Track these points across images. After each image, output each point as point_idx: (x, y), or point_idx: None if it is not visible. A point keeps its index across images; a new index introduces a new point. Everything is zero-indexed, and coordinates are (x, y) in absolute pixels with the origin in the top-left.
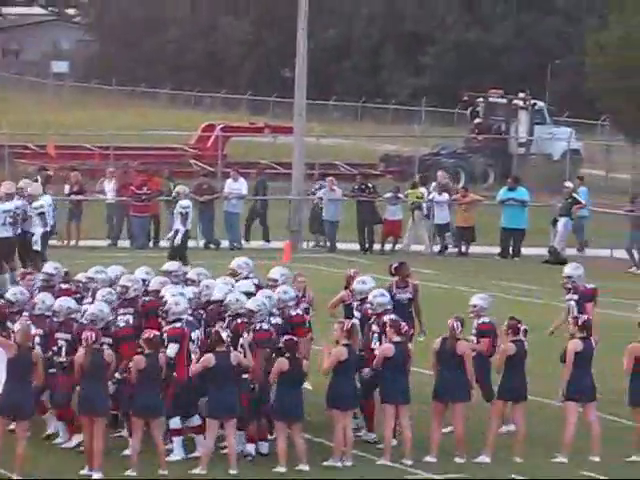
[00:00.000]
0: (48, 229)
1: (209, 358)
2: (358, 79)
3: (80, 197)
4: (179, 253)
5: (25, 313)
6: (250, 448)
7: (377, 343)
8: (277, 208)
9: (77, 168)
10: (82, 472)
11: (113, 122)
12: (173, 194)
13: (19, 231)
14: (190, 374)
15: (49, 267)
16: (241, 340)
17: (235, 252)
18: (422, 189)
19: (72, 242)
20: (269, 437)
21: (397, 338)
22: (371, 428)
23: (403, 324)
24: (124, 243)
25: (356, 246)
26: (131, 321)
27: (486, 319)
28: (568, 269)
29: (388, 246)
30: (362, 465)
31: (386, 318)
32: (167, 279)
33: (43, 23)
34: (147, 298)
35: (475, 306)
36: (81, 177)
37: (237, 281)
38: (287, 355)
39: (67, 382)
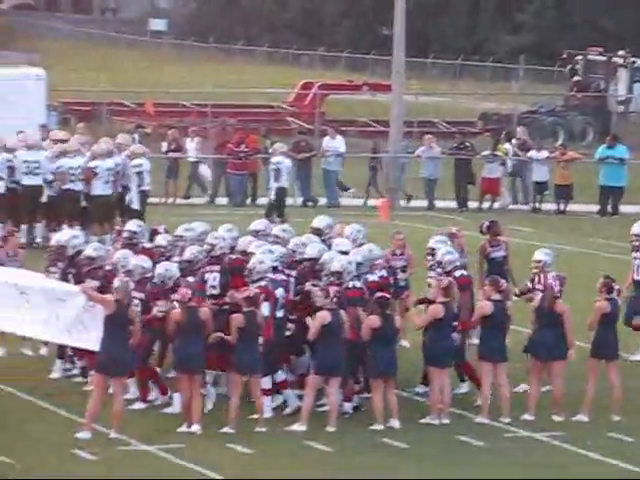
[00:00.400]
0: (146, 188)
1: (325, 315)
2: (456, 37)
3: (177, 154)
4: (276, 210)
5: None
6: (347, 407)
7: None
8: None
9: (174, 126)
10: (181, 429)
11: (210, 80)
12: (270, 151)
13: (119, 189)
14: (311, 335)
15: (132, 225)
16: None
17: (333, 210)
18: (507, 145)
19: (170, 200)
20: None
21: (496, 296)
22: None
23: (502, 281)
24: (222, 201)
25: (453, 204)
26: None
27: (552, 274)
28: (636, 227)
29: (486, 204)
30: (459, 423)
31: (458, 274)
32: (255, 238)
33: None
34: (233, 256)
35: (539, 261)
36: (178, 135)
37: (323, 240)
38: (379, 312)
39: (144, 341)
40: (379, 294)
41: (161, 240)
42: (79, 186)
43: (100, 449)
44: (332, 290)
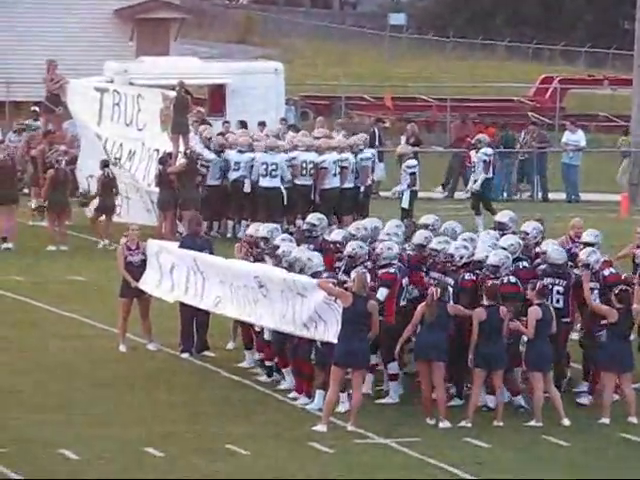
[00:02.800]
0: (416, 188)
1: (480, 312)
2: None
3: (416, 149)
4: (481, 202)
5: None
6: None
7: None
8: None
9: (413, 120)
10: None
11: (450, 74)
12: (473, 141)
13: (354, 184)
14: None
15: (313, 217)
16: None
17: (572, 205)
18: None
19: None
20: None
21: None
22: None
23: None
24: (461, 194)
25: None
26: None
27: None
28: None
29: None
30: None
31: (606, 272)
32: (430, 233)
33: None
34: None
35: None
36: (417, 129)
37: (503, 234)
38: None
39: None
40: (620, 287)
41: (336, 236)
42: (309, 180)
43: (336, 442)
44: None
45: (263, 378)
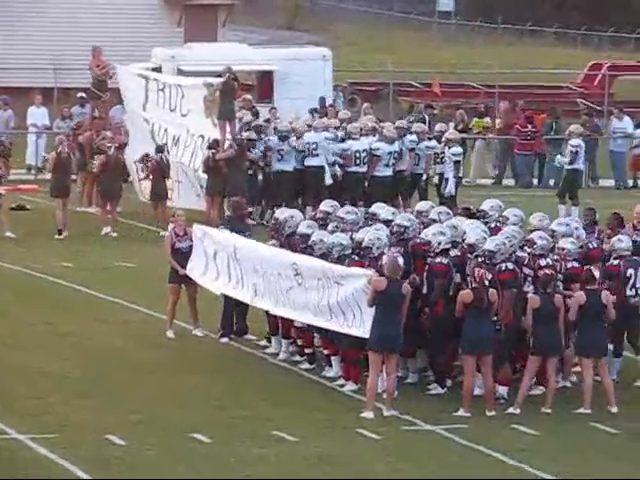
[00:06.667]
0: (461, 175)
1: (535, 299)
2: None
3: (464, 135)
4: (568, 190)
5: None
6: (502, 391)
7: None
8: None
9: (462, 106)
10: (458, 413)
11: (498, 60)
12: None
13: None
14: (571, 316)
15: (326, 204)
16: None
17: (621, 192)
18: None
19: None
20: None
21: None
22: None
23: None
24: (509, 182)
25: None
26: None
27: None
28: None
29: None
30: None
31: None
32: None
33: None
34: (418, 240)
35: None
36: (466, 116)
37: (486, 224)
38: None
39: None
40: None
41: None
42: (363, 168)
43: (384, 428)
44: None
45: (305, 366)
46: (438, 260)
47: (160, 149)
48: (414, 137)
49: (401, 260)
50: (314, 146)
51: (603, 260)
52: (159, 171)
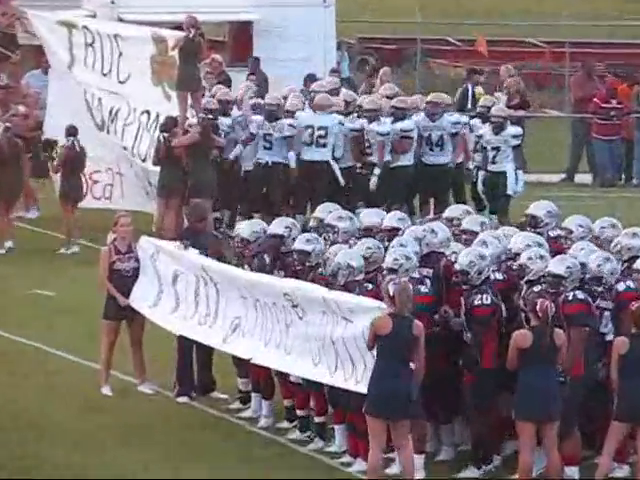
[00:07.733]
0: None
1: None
2: None
3: (520, 113)
4: None
5: None
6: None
7: None
8: None
9: (518, 72)
10: None
11: (565, 9)
12: None
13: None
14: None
15: (322, 210)
16: None
17: None
18: None
19: None
20: None
21: None
22: None
23: None
24: (584, 178)
25: None
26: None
27: None
28: None
29: None
30: None
31: None
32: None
33: None
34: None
35: None
36: (523, 85)
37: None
38: None
39: None
40: None
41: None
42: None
43: None
44: None
45: (295, 435)
46: (478, 300)
47: (71, 132)
48: (456, 117)
49: (411, 288)
50: (321, 132)
51: None
52: (68, 162)
